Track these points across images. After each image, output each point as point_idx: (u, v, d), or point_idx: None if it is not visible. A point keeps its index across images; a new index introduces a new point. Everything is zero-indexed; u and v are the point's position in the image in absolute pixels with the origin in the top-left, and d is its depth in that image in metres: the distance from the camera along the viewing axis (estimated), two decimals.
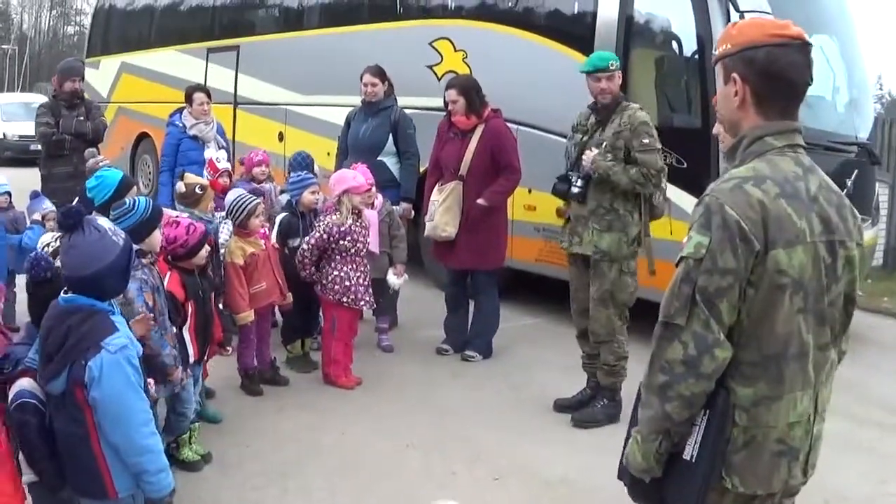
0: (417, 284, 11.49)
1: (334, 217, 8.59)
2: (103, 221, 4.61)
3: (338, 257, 8.58)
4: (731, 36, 3.34)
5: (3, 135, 34.71)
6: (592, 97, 7.92)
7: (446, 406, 8.35)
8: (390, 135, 10.36)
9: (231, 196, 8.40)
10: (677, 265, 3.24)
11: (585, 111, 8.06)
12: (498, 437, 7.61)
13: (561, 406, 8.19)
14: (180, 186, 8.43)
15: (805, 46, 3.27)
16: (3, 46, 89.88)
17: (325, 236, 8.51)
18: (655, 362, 3.23)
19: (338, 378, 8.70)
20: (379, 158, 10.25)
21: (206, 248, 6.99)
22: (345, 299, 8.57)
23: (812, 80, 3.31)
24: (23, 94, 50.72)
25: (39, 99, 39.30)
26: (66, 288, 4.50)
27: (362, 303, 8.72)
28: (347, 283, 8.56)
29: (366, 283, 8.72)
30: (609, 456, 6.57)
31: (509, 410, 8.28)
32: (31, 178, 12.68)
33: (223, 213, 8.84)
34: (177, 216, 7.07)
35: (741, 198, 3.10)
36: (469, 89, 9.38)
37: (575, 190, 7.88)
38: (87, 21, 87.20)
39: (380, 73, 10.46)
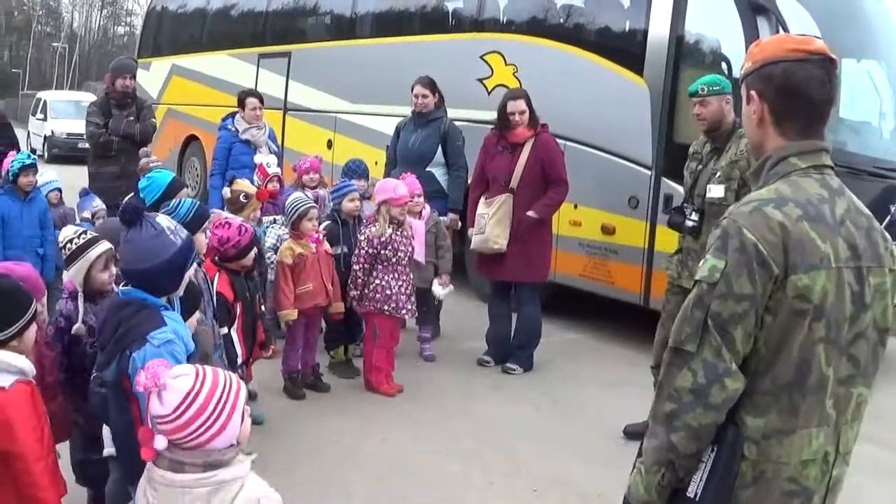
0: (461, 296, 11.51)
1: (373, 229, 8.68)
2: (162, 220, 4.65)
3: (379, 266, 8.65)
4: (752, 54, 3.21)
5: (52, 132, 34.98)
6: None
7: (486, 417, 8.37)
8: (439, 146, 10.45)
9: (289, 199, 8.60)
10: (691, 289, 3.10)
11: (702, 138, 7.75)
12: (537, 449, 7.62)
13: (631, 433, 7.79)
14: (226, 192, 8.55)
15: (827, 62, 3.09)
16: (53, 44, 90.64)
17: (368, 250, 8.60)
18: (663, 390, 3.06)
19: (379, 385, 8.75)
20: (427, 169, 10.36)
21: (255, 250, 7.09)
22: (386, 308, 8.63)
23: (835, 97, 3.15)
24: (72, 93, 51.18)
25: (88, 97, 39.71)
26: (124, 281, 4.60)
27: (404, 311, 8.76)
28: (388, 292, 8.61)
29: (407, 291, 8.76)
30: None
31: (549, 424, 8.28)
32: (78, 175, 12.78)
33: (272, 218, 8.95)
34: (228, 217, 7.16)
35: (760, 220, 2.93)
36: (530, 102, 9.43)
37: (689, 224, 7.55)
38: (138, 22, 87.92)
39: (430, 84, 10.55)
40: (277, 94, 16.86)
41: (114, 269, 5.27)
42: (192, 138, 20.14)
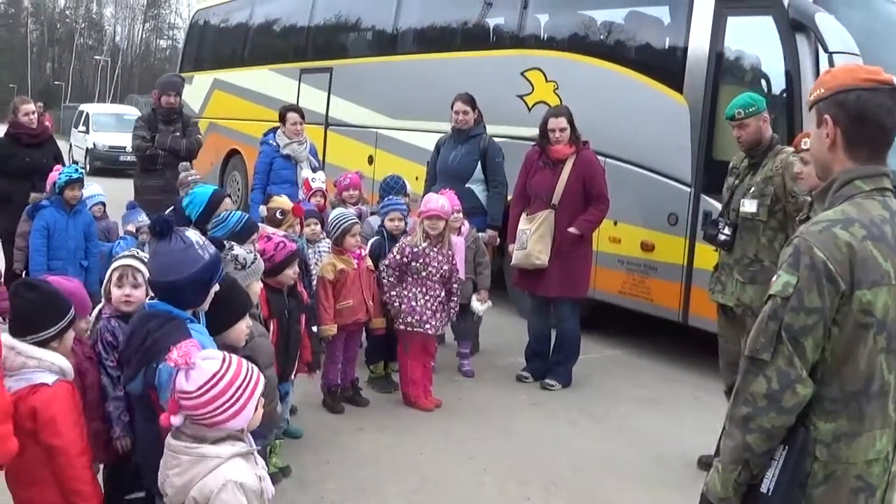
0: (499, 311, 11.53)
1: (409, 238, 8.75)
2: (192, 234, 4.73)
3: (408, 279, 8.69)
4: (824, 81, 3.44)
5: (94, 144, 35.14)
6: None
7: (524, 433, 8.38)
8: (479, 162, 10.53)
9: (332, 214, 8.67)
10: (765, 303, 3.32)
11: (741, 153, 7.74)
12: (574, 466, 7.63)
13: (706, 463, 7.44)
14: (262, 210, 8.62)
15: (894, 92, 3.33)
16: (96, 57, 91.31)
17: (397, 256, 8.64)
18: (740, 395, 3.33)
19: (417, 399, 8.79)
20: (467, 185, 10.44)
21: (295, 269, 7.11)
22: (409, 319, 8.65)
23: None
24: (114, 105, 51.46)
25: (131, 110, 40.10)
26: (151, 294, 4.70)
27: (427, 326, 8.71)
28: (413, 304, 8.64)
29: (433, 307, 8.74)
30: (682, 494, 6.65)
31: (586, 441, 8.28)
32: (120, 188, 12.87)
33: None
34: (272, 233, 7.21)
35: (829, 240, 3.18)
36: (572, 119, 9.48)
37: (722, 237, 7.57)
38: (180, 35, 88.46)
39: (471, 101, 10.63)
40: (319, 109, 16.95)
41: (129, 289, 5.25)
42: (233, 152, 20.32)
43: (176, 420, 3.90)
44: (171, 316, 4.44)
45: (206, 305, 4.72)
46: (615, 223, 10.81)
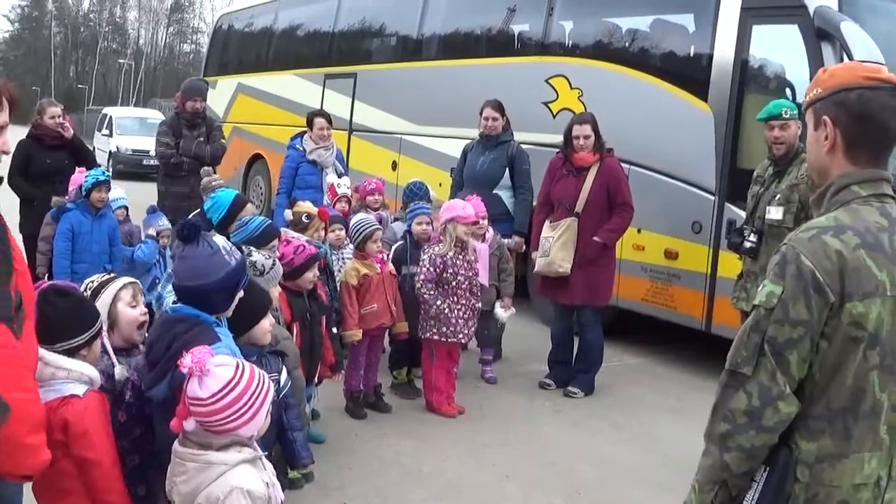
0: (522, 319, 11.51)
1: (437, 248, 8.73)
2: (220, 240, 4.75)
3: (439, 290, 8.70)
4: (821, 80, 3.23)
5: (117, 148, 35.23)
6: (767, 147, 7.79)
7: (547, 440, 8.39)
8: (506, 169, 10.53)
9: (354, 220, 8.69)
10: (749, 313, 3.17)
11: (766, 161, 7.77)
12: (597, 473, 7.64)
13: None
14: (288, 214, 8.64)
15: None
16: (120, 61, 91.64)
17: (431, 269, 8.63)
18: (718, 410, 3.13)
19: (440, 406, 8.79)
20: (494, 192, 10.44)
21: (315, 272, 7.13)
22: (444, 329, 8.67)
23: None
24: (137, 109, 51.59)
25: (154, 114, 40.24)
26: (175, 299, 4.69)
27: (461, 335, 8.77)
28: (449, 314, 8.63)
29: (465, 316, 8.75)
30: None
31: (610, 448, 8.28)
32: (142, 192, 12.90)
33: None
34: (293, 237, 7.23)
35: (818, 247, 2.99)
36: (597, 126, 9.48)
37: (747, 245, 7.60)
38: (203, 40, 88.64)
39: (500, 107, 10.66)
40: (343, 114, 16.94)
41: (143, 308, 5.00)
42: (256, 157, 20.39)
43: (189, 425, 3.90)
44: (197, 320, 4.45)
45: (229, 312, 4.73)
46: (639, 231, 10.80)
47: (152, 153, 32.56)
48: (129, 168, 33.12)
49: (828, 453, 3.05)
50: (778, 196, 7.32)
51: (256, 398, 3.89)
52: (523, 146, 10.88)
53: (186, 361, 3.84)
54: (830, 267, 2.97)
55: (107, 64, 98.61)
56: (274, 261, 5.95)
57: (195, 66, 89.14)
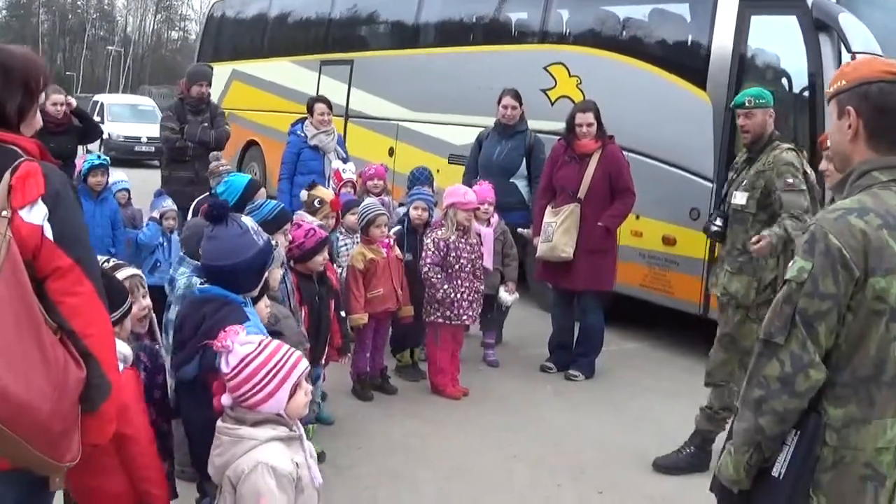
0: (521, 304, 11.50)
1: (439, 232, 8.86)
2: (247, 220, 4.83)
3: (444, 272, 8.81)
4: (845, 73, 3.50)
5: (109, 135, 35.07)
6: None
7: (550, 422, 8.52)
8: (524, 158, 10.67)
9: (361, 205, 8.79)
10: (780, 287, 3.44)
11: (744, 150, 7.80)
12: (600, 455, 7.76)
13: (661, 466, 7.62)
14: (304, 195, 8.72)
15: None
16: (108, 48, 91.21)
17: (436, 251, 8.75)
18: (753, 377, 3.39)
19: (445, 388, 8.91)
20: (511, 180, 10.60)
21: (324, 255, 7.24)
22: (448, 313, 8.79)
23: None
24: (129, 96, 51.31)
25: (145, 101, 40.16)
26: (203, 279, 4.77)
27: (465, 318, 8.90)
28: (453, 296, 8.76)
29: (469, 298, 8.88)
30: (708, 475, 6.79)
31: (611, 430, 8.40)
32: (135, 178, 12.70)
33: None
34: (303, 220, 7.33)
35: (844, 227, 3.22)
36: (599, 114, 9.60)
37: (713, 228, 7.63)
38: (192, 27, 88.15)
39: (518, 96, 10.79)
40: (339, 101, 16.83)
41: (143, 303, 4.94)
42: (251, 143, 20.32)
43: (226, 400, 4.00)
44: (226, 300, 4.51)
45: (256, 291, 4.79)
46: (637, 217, 10.86)
47: (144, 140, 32.55)
48: (122, 155, 32.83)
49: (853, 418, 3.30)
50: (745, 182, 7.37)
51: (275, 374, 3.94)
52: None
53: (216, 340, 3.96)
54: (855, 245, 3.20)
55: (95, 51, 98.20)
56: (276, 243, 6.02)
57: (182, 53, 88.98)
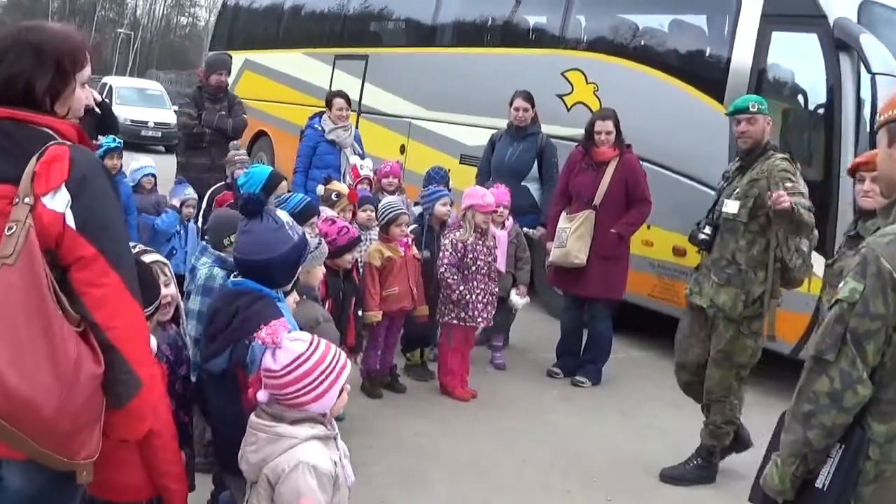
0: (529, 309, 11.49)
1: (457, 233, 8.88)
2: (282, 214, 4.81)
3: (460, 274, 8.83)
4: (894, 102, 3.61)
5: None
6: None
7: (558, 426, 8.55)
8: (536, 161, 10.68)
9: (381, 202, 8.85)
10: (831, 307, 3.50)
11: (737, 158, 7.78)
12: (609, 461, 7.81)
13: (667, 476, 7.65)
14: (320, 189, 8.75)
15: None
16: (117, 30, 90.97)
17: (453, 252, 8.78)
18: (803, 392, 3.50)
19: (454, 389, 8.95)
20: (522, 183, 10.62)
21: (354, 254, 7.29)
22: (463, 315, 8.83)
23: None
24: (137, 80, 51.08)
25: (154, 85, 40.07)
26: (235, 272, 4.75)
27: (479, 319, 8.93)
28: (469, 298, 8.79)
29: (485, 300, 8.92)
30: (717, 491, 6.86)
31: (619, 437, 8.45)
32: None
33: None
34: (336, 216, 7.38)
35: (895, 251, 3.34)
36: (618, 122, 9.64)
37: (701, 236, 7.53)
38: (201, 14, 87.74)
39: (530, 98, 10.79)
40: (352, 96, 16.80)
41: (167, 291, 4.71)
42: (261, 134, 20.28)
43: (262, 396, 3.96)
44: (260, 294, 4.51)
45: (289, 286, 4.79)
46: (648, 227, 10.84)
47: (151, 124, 32.42)
48: (128, 138, 32.28)
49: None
50: (737, 190, 7.29)
51: (328, 375, 3.92)
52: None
53: (262, 333, 3.92)
54: None
55: (103, 33, 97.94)
56: (320, 240, 6.01)
57: (191, 40, 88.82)
